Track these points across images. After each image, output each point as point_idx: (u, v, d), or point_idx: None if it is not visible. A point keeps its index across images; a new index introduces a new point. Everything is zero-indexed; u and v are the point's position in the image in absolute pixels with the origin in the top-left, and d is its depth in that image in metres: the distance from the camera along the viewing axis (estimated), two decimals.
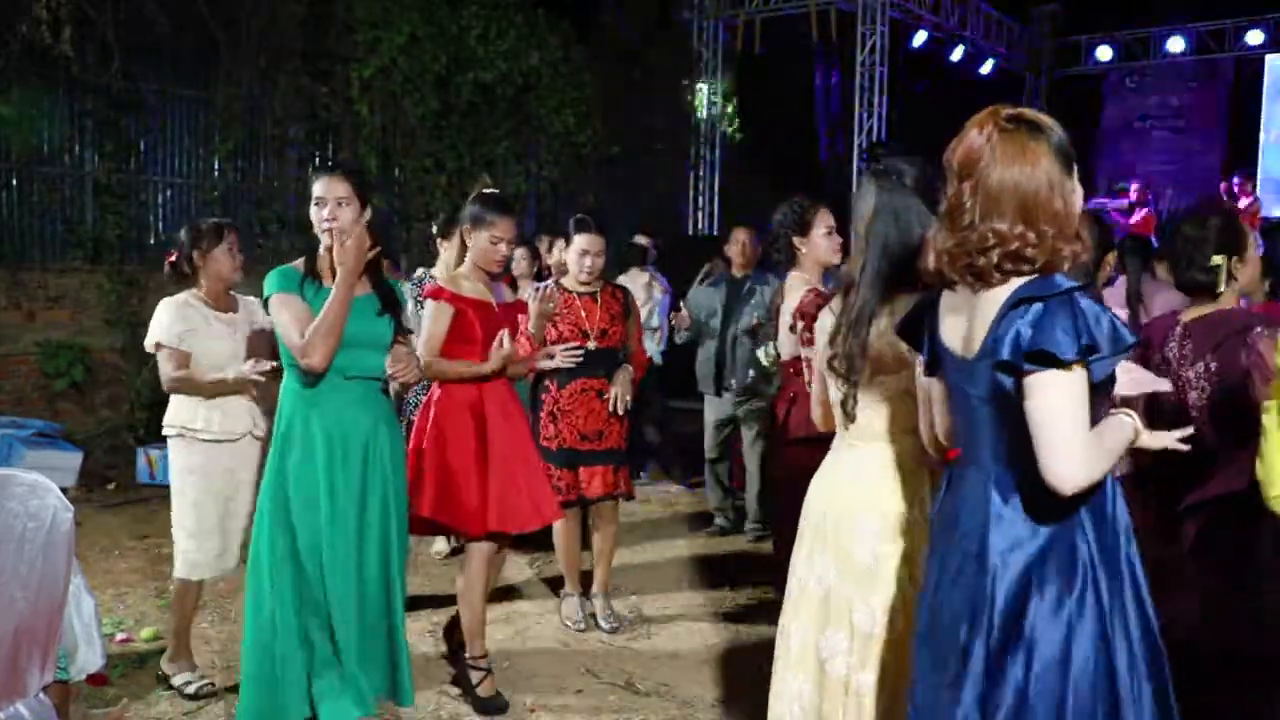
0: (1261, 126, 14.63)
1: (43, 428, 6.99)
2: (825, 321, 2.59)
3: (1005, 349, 1.80)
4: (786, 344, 3.73)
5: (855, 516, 2.46)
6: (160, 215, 8.57)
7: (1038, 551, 1.86)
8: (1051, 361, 1.75)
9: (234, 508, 3.75)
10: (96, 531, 5.86)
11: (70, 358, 7.63)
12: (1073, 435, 1.76)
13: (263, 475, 3.55)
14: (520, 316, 3.98)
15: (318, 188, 3.10)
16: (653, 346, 6.82)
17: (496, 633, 4.38)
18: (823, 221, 3.72)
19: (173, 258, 3.83)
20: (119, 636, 4.24)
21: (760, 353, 5.22)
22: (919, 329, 2.09)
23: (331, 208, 3.07)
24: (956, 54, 14.24)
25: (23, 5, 7.12)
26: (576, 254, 4.39)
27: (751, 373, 5.25)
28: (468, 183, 10.05)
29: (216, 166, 8.67)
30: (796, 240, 3.74)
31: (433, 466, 3.59)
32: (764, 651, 4.26)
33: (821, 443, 3.42)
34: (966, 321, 1.92)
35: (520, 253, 5.98)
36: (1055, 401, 1.76)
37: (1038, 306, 1.78)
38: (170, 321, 3.69)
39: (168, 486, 7.11)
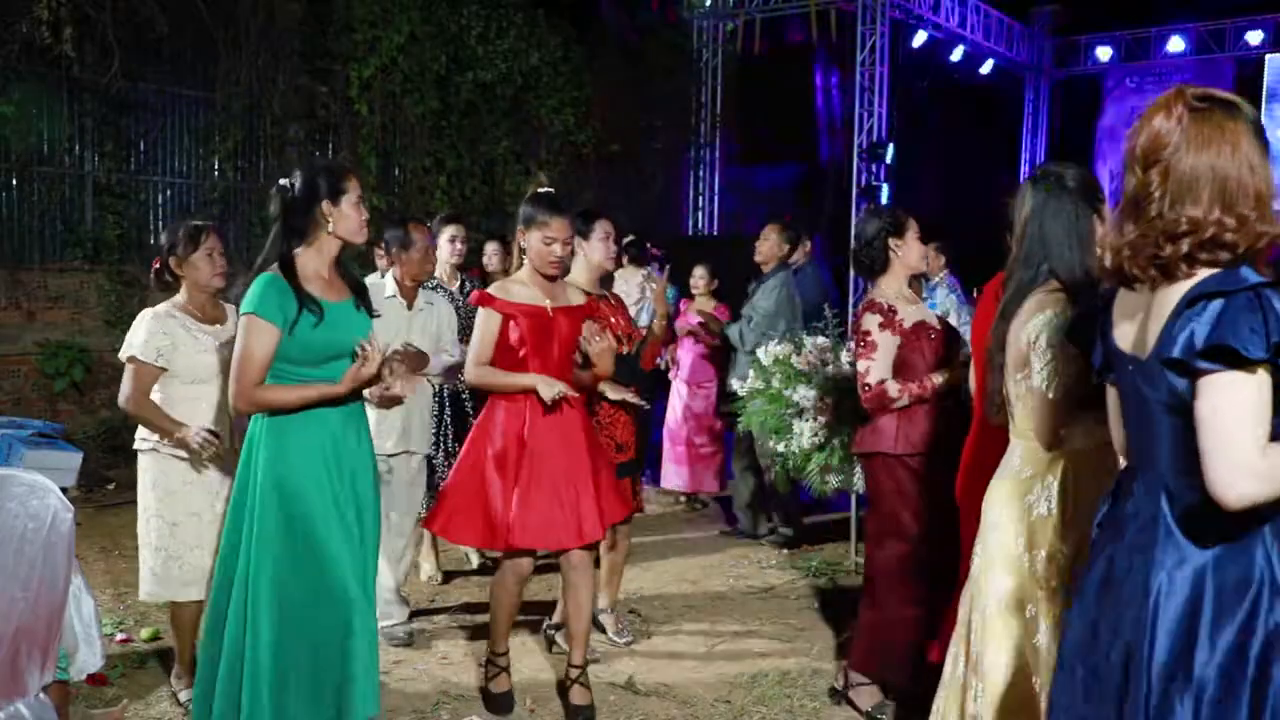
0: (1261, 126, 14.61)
1: (43, 428, 6.94)
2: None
3: (1178, 346, 1.65)
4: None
5: (991, 505, 2.52)
6: (160, 215, 8.57)
7: (1208, 572, 1.69)
8: (1232, 360, 1.59)
9: (208, 525, 3.52)
10: (96, 531, 5.86)
11: (70, 358, 7.63)
12: (1246, 443, 1.59)
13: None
14: (589, 321, 3.70)
15: (358, 184, 2.96)
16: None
17: None
18: (913, 226, 3.64)
19: (157, 264, 3.59)
20: (119, 636, 4.24)
21: (761, 352, 5.21)
22: (1090, 331, 1.98)
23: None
24: (956, 54, 14.24)
25: (23, 5, 7.12)
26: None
27: (751, 373, 5.22)
28: (467, 182, 10.08)
29: (216, 166, 8.67)
30: (893, 243, 3.59)
31: (464, 476, 3.47)
32: (764, 651, 4.27)
33: (923, 456, 3.46)
34: (1143, 321, 1.78)
35: (491, 248, 5.99)
36: (1230, 403, 1.60)
37: (1218, 302, 1.63)
38: (147, 335, 3.44)
39: None
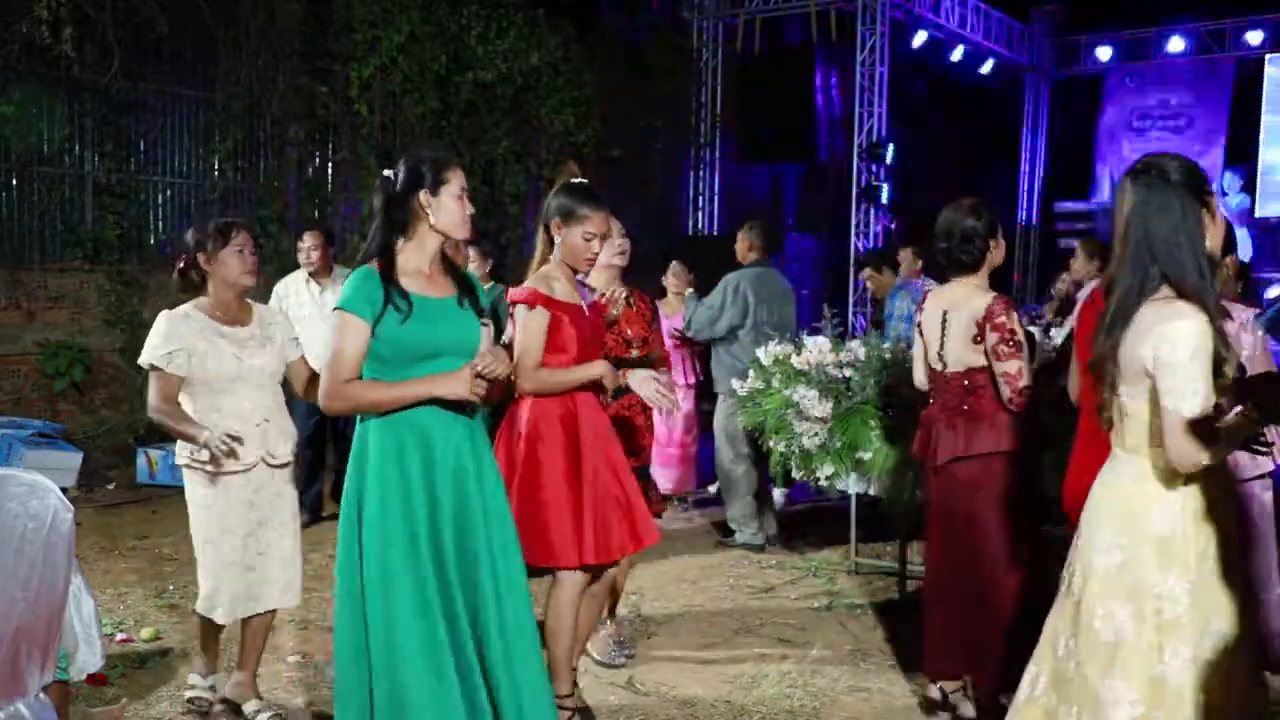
0: (1261, 126, 14.62)
1: (43, 428, 6.98)
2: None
3: None
4: (962, 355, 3.46)
5: (1101, 525, 2.36)
6: (160, 215, 8.58)
7: None
8: None
9: (263, 545, 3.38)
10: (96, 531, 5.86)
11: (70, 358, 7.63)
12: None
13: (293, 504, 3.48)
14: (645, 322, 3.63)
15: (460, 176, 2.79)
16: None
17: None
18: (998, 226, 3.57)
19: (181, 264, 3.43)
20: (119, 636, 4.24)
21: (761, 352, 5.21)
22: None
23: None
24: (956, 54, 14.24)
25: (23, 5, 7.12)
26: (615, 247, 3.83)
27: (751, 373, 5.22)
28: (467, 182, 10.07)
29: (216, 166, 8.67)
30: (991, 242, 3.48)
31: (521, 493, 3.23)
32: (764, 651, 4.27)
33: (975, 460, 3.39)
34: None
35: (471, 253, 5.83)
36: None
37: None
38: (161, 340, 3.28)
39: (168, 486, 7.12)
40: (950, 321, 3.47)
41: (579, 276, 3.43)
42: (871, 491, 4.77)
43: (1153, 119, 15.79)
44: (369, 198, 9.20)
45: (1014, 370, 3.33)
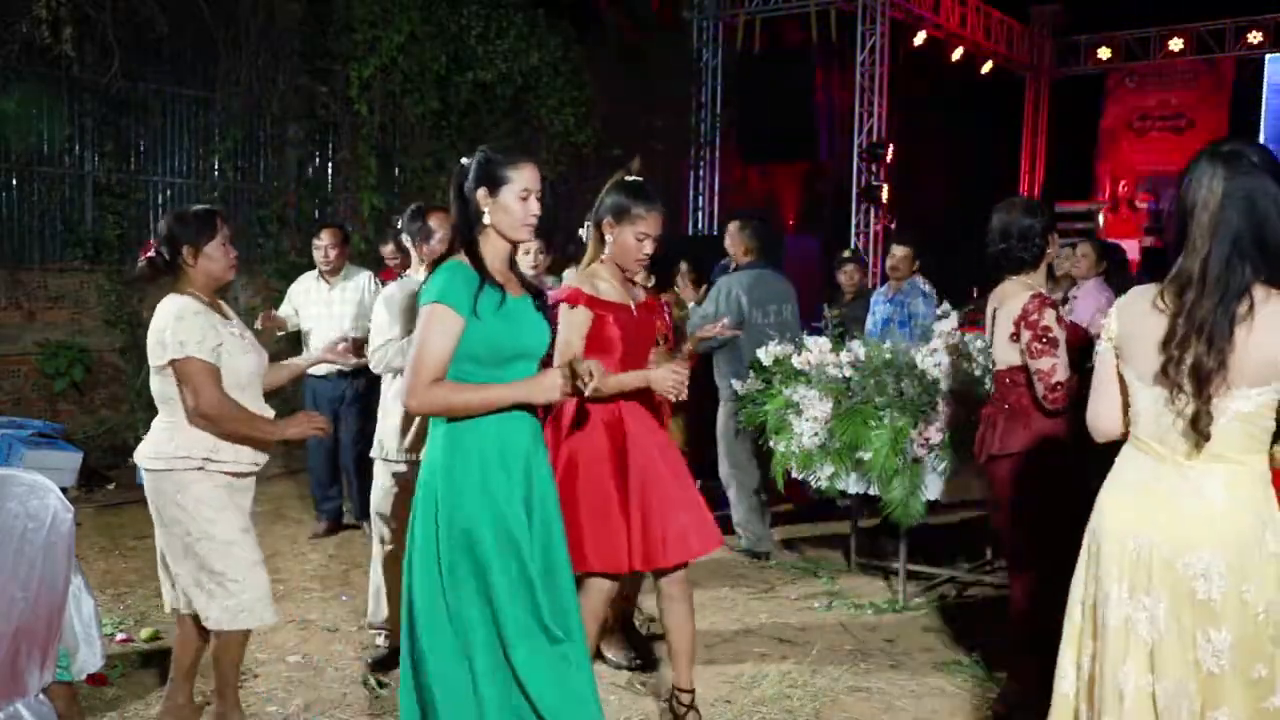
0: (1261, 126, 14.62)
1: (43, 428, 6.98)
2: (1126, 324, 2.26)
3: None
4: (1004, 353, 3.45)
5: (1198, 549, 2.14)
6: (160, 215, 8.56)
7: None
8: None
9: (244, 549, 3.18)
10: (96, 531, 5.86)
11: (70, 358, 7.63)
12: None
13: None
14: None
15: (527, 175, 2.61)
16: None
17: None
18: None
19: (150, 251, 3.16)
20: (119, 636, 4.24)
21: (761, 352, 5.21)
22: None
23: (534, 201, 2.61)
24: (956, 54, 14.24)
25: (22, 5, 7.12)
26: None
27: (751, 374, 5.21)
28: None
29: (216, 166, 8.68)
30: (1050, 239, 3.46)
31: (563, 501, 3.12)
32: (764, 651, 4.27)
33: (1009, 458, 3.38)
34: None
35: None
36: None
37: None
38: (199, 330, 3.02)
39: None
40: (998, 319, 3.47)
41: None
42: (872, 491, 4.76)
43: (1153, 119, 15.80)
44: (369, 198, 9.27)
45: (1046, 368, 3.31)
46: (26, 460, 6.24)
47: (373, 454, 4.04)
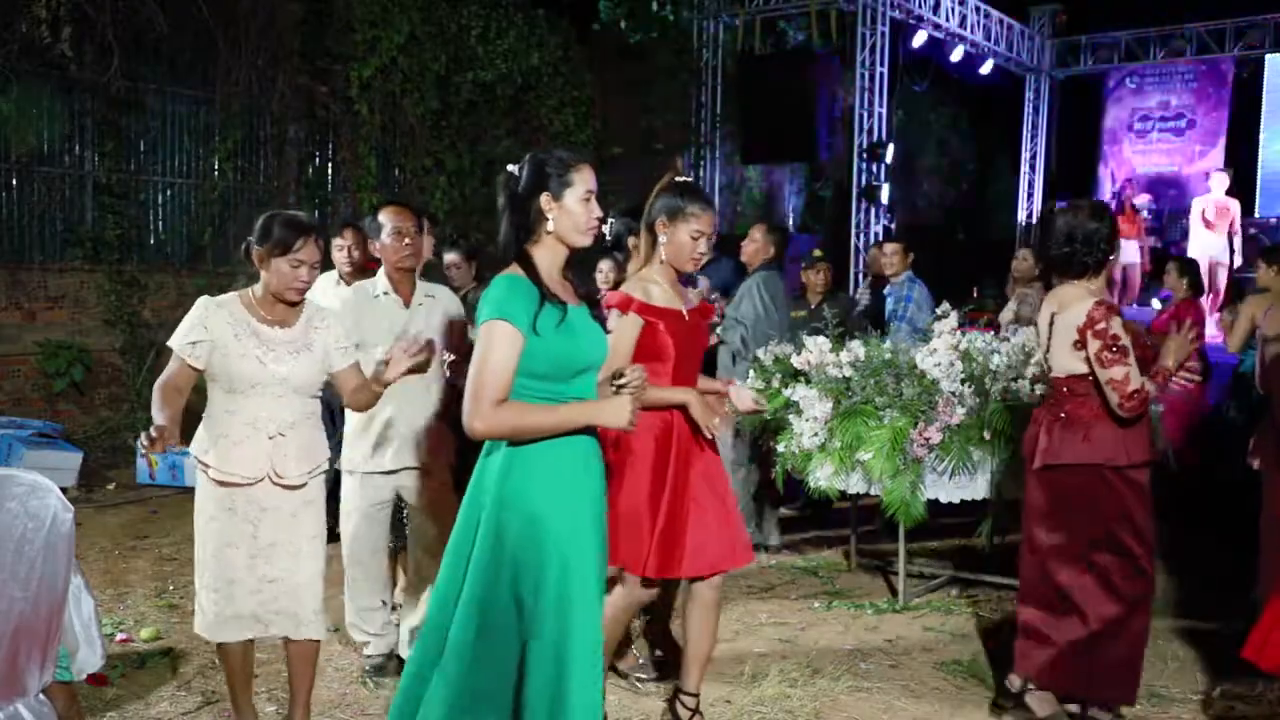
0: (1261, 126, 14.62)
1: (43, 428, 6.99)
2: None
3: None
4: (1064, 360, 3.37)
5: None
6: (160, 215, 8.59)
7: None
8: None
9: (276, 570, 3.09)
10: (96, 531, 5.86)
11: (70, 358, 7.63)
12: None
13: (309, 533, 3.15)
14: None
15: (588, 177, 2.54)
16: None
17: None
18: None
19: (245, 246, 3.14)
20: (119, 636, 4.23)
21: (761, 352, 5.21)
22: None
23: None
24: (956, 54, 14.24)
25: (21, 4, 7.13)
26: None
27: (751, 374, 5.20)
28: (467, 182, 10.09)
29: (216, 166, 8.68)
30: (1113, 244, 3.39)
31: (625, 509, 3.17)
32: (764, 652, 4.27)
33: (1064, 469, 3.32)
34: None
35: (451, 258, 5.65)
36: None
37: None
38: (188, 327, 3.02)
39: (168, 486, 7.09)
40: (1056, 325, 3.39)
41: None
42: (872, 491, 4.76)
43: (1153, 119, 15.80)
44: (368, 198, 9.28)
45: (1120, 376, 3.23)
46: (26, 460, 6.24)
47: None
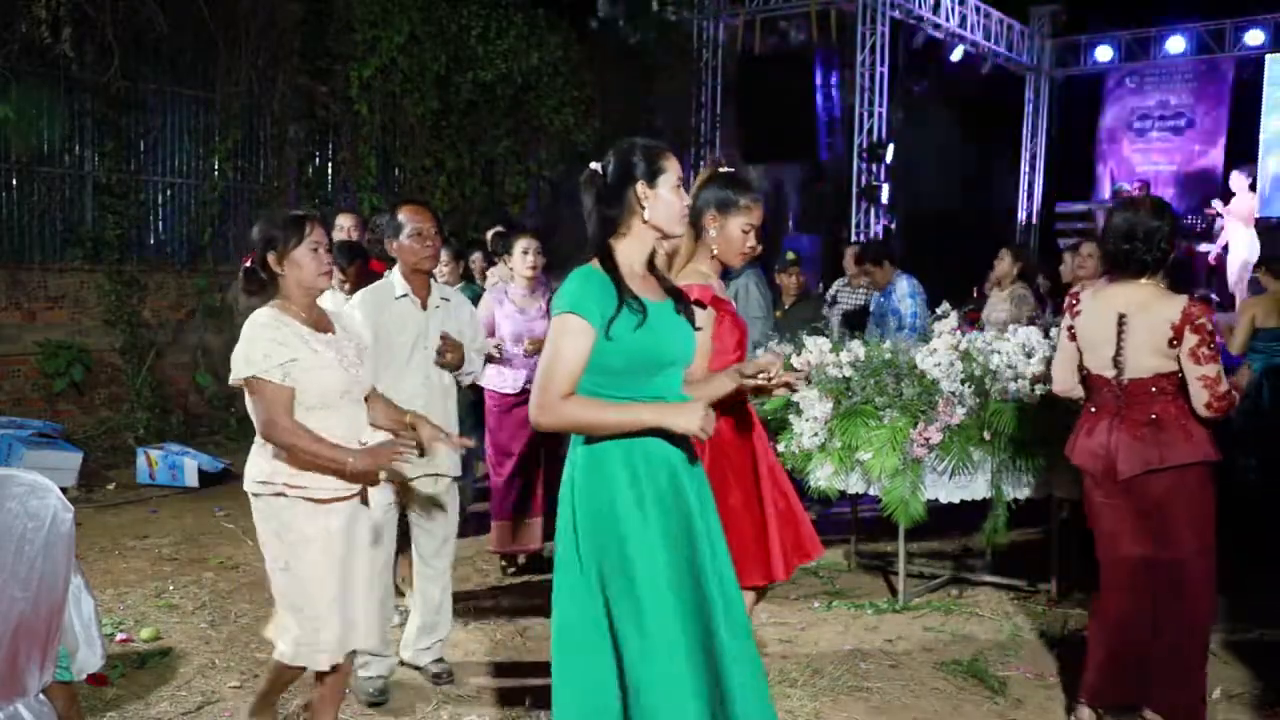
0: (1261, 126, 14.62)
1: (43, 428, 6.99)
2: None
3: None
4: (1147, 359, 3.25)
5: None
6: (160, 215, 8.59)
7: None
8: None
9: (352, 577, 2.99)
10: (96, 531, 5.86)
11: (70, 358, 7.64)
12: None
13: (377, 532, 3.09)
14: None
15: (676, 165, 2.55)
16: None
17: (496, 632, 4.38)
18: None
19: (247, 262, 2.99)
20: (119, 636, 4.23)
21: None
22: None
23: None
24: (956, 54, 14.25)
25: (22, 4, 7.13)
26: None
27: None
28: (467, 182, 10.09)
29: (216, 166, 8.68)
30: (1172, 243, 3.31)
31: (742, 511, 3.06)
32: (764, 652, 4.27)
33: (1168, 472, 3.20)
34: None
35: (442, 255, 5.72)
36: None
37: None
38: (269, 348, 2.82)
39: (167, 486, 7.08)
40: (1133, 324, 3.25)
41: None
42: (872, 492, 4.76)
43: (1153, 119, 15.80)
44: (368, 198, 9.28)
45: (1213, 374, 3.17)
46: (26, 460, 6.24)
47: None
